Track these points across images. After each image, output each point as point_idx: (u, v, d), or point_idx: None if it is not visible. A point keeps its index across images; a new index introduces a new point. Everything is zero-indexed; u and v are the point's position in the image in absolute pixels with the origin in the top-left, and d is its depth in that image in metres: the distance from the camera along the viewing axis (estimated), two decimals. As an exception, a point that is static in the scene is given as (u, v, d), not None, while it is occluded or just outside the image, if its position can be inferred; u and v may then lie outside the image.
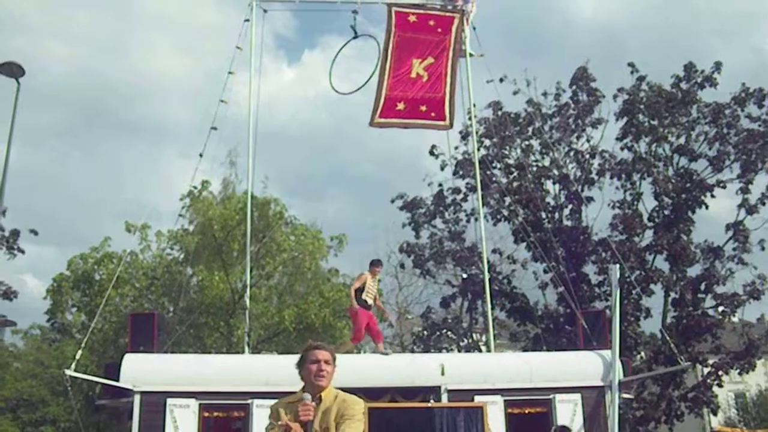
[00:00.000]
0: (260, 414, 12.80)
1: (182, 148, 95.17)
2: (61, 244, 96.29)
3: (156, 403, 12.71)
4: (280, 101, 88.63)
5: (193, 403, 12.72)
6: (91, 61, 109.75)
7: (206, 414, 12.89)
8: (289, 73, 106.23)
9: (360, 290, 16.09)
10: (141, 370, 13.13)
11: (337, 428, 5.68)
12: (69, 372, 13.36)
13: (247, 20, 19.00)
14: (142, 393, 12.77)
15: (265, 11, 19.53)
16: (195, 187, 28.23)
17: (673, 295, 30.05)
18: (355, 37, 19.44)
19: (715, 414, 34.18)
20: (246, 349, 17.43)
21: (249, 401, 12.85)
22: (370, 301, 16.12)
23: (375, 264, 17.03)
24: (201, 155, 17.91)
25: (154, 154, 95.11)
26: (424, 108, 18.52)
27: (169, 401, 12.72)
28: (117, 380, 12.95)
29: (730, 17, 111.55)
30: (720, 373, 29.58)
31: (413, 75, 18.65)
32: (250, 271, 19.96)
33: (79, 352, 15.38)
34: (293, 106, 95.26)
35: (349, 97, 19.21)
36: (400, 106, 18.46)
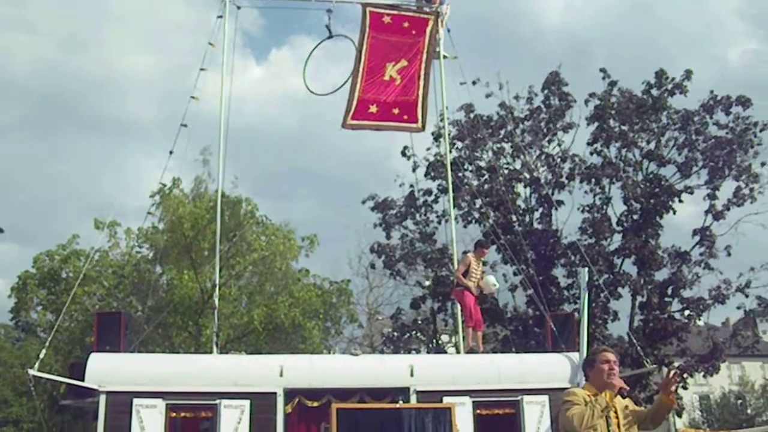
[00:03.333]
0: (228, 414, 12.75)
1: (148, 145, 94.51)
2: (23, 242, 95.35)
3: (122, 403, 12.58)
4: (247, 100, 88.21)
5: (160, 404, 12.61)
6: (55, 57, 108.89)
7: (173, 414, 12.78)
8: (256, 72, 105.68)
9: (464, 274, 16.04)
10: (107, 370, 12.99)
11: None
12: (32, 372, 13.18)
13: (220, 16, 18.87)
14: (108, 393, 12.63)
15: (238, 8, 19.41)
16: (164, 185, 28.02)
17: (640, 298, 30.31)
18: (330, 37, 19.37)
19: (679, 415, 34.55)
20: (214, 348, 17.34)
21: (217, 401, 12.77)
22: (473, 286, 16.04)
23: (482, 245, 16.99)
24: (171, 152, 17.69)
25: (119, 151, 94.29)
26: (396, 111, 18.48)
27: (136, 401, 12.60)
28: (82, 380, 12.80)
29: (694, 27, 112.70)
30: (685, 375, 29.85)
31: (386, 78, 18.61)
32: (220, 271, 19.84)
33: (43, 351, 15.23)
34: (261, 104, 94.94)
35: (317, 96, 19.06)
36: (373, 108, 18.41)
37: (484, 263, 17.90)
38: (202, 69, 18.37)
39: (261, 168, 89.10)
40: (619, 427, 6.44)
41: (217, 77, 18.62)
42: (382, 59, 18.83)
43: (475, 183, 31.70)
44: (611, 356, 6.84)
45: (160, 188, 27.52)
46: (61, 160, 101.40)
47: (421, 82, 18.70)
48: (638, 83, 32.22)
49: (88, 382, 12.75)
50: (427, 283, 32.92)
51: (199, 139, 33.19)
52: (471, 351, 15.81)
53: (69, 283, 29.63)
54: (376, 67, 18.69)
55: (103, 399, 12.60)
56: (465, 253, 17.10)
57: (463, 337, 17.00)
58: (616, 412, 6.48)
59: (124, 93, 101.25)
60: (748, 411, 53.75)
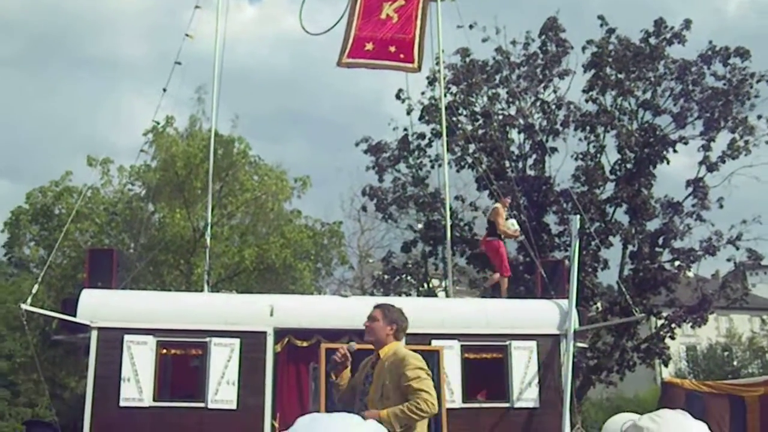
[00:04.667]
0: (218, 352, 12.85)
1: (140, 83, 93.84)
2: (14, 178, 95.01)
3: (113, 339, 12.65)
4: (240, 40, 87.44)
5: (151, 340, 12.68)
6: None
7: (164, 351, 12.86)
8: (249, 11, 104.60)
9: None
10: (98, 306, 13.04)
11: (394, 388, 6.26)
12: (25, 306, 13.22)
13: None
14: (99, 329, 12.70)
15: (234, -54, 19.20)
16: (158, 123, 27.91)
17: (631, 247, 30.38)
18: (325, -23, 19.19)
19: (666, 365, 34.77)
20: (205, 287, 17.40)
21: (207, 339, 12.85)
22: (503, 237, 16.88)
23: (504, 195, 18.38)
24: (164, 90, 17.56)
25: (111, 89, 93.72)
26: (392, 49, 18.37)
27: (127, 337, 12.67)
28: (74, 315, 12.85)
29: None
30: (673, 325, 30.08)
31: (383, 16, 18.46)
32: (212, 210, 19.84)
33: (36, 286, 15.26)
34: (253, 45, 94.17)
35: (311, 38, 18.91)
36: (369, 46, 18.29)
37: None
38: (197, 6, 18.20)
39: (253, 109, 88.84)
40: None
41: (210, 16, 18.49)
42: (380, -3, 18.67)
43: (469, 128, 31.57)
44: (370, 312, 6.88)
45: (153, 126, 27.43)
46: (52, 97, 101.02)
47: (418, 22, 18.56)
48: (636, 32, 32.07)
49: (80, 318, 12.82)
50: (419, 227, 32.97)
51: (191, 78, 33.05)
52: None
53: (62, 219, 29.65)
54: (373, 5, 18.52)
55: (94, 335, 12.68)
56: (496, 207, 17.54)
57: (485, 287, 17.36)
58: None
59: (115, 30, 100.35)
60: (734, 363, 54.20)
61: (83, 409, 12.53)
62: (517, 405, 13.65)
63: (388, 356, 6.38)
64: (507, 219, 17.49)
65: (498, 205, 17.40)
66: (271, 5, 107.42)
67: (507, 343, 13.82)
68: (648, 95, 31.39)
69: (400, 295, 30.91)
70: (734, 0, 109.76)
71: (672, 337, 30.69)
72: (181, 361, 13.49)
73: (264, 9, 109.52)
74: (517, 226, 17.33)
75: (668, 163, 30.54)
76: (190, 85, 32.47)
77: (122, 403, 12.50)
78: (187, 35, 17.81)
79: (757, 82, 30.52)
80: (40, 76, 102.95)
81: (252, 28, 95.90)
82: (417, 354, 6.47)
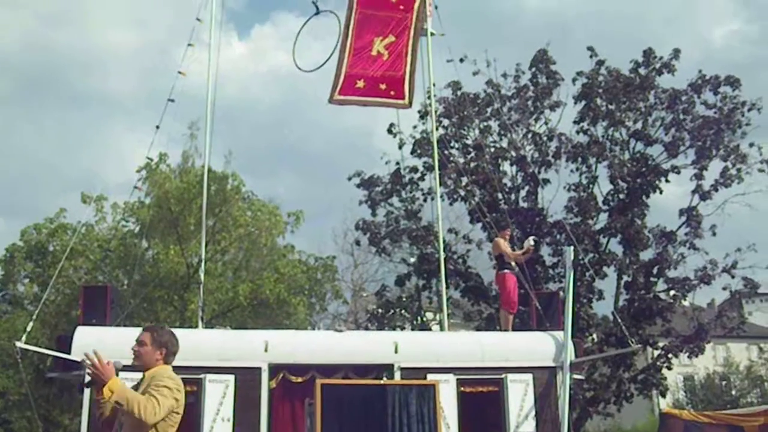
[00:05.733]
0: (213, 389, 12.80)
1: (132, 121, 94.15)
2: (8, 216, 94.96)
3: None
4: (230, 77, 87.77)
5: (145, 377, 12.66)
6: (38, 31, 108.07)
7: (158, 388, 12.82)
8: (239, 48, 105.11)
9: (503, 256, 16.71)
10: (93, 343, 12.90)
11: None
12: (20, 344, 13.17)
13: (206, -8, 18.75)
14: (94, 366, 12.66)
15: (224, -17, 19.34)
16: (151, 159, 27.93)
17: (625, 278, 30.41)
18: (317, 13, 19.27)
19: (663, 396, 34.70)
20: (200, 323, 17.36)
21: (202, 376, 12.81)
22: (513, 265, 16.64)
23: (503, 228, 18.31)
24: (158, 127, 17.60)
25: (103, 127, 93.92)
26: (383, 86, 18.44)
27: (121, 375, 12.62)
28: (68, 353, 12.80)
29: (678, 5, 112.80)
30: (669, 355, 30.05)
31: (374, 53, 18.55)
32: (206, 246, 19.86)
33: (30, 323, 15.21)
34: (243, 81, 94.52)
35: (301, 73, 18.96)
36: (360, 83, 18.37)
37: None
38: (189, 44, 18.28)
39: (245, 145, 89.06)
40: None
41: (201, 53, 18.57)
42: (370, 34, 18.76)
43: (462, 161, 31.67)
44: (139, 336, 6.69)
45: (146, 163, 27.44)
46: (46, 135, 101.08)
47: (409, 58, 18.65)
48: (623, 62, 32.28)
49: (74, 355, 12.76)
50: (412, 260, 32.95)
51: (183, 115, 33.19)
52: None
53: (56, 256, 29.65)
54: (364, 42, 18.62)
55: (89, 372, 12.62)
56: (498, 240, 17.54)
57: (498, 319, 17.30)
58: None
59: (107, 68, 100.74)
60: (733, 392, 53.98)
61: (77, 448, 12.45)
62: (515, 438, 13.60)
63: (148, 376, 6.22)
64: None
65: (498, 238, 17.42)
66: (260, 41, 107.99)
67: (503, 376, 13.78)
68: (639, 125, 31.54)
69: (394, 329, 30.91)
70: (719, 30, 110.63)
71: (669, 368, 30.64)
72: (176, 399, 13.41)
73: (253, 45, 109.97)
74: (531, 243, 17.26)
75: (661, 192, 30.65)
76: (183, 122, 32.59)
77: (117, 442, 12.42)
78: (179, 72, 17.88)
79: (749, 110, 30.73)
80: (34, 114, 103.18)
81: (242, 64, 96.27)
82: (179, 380, 6.25)
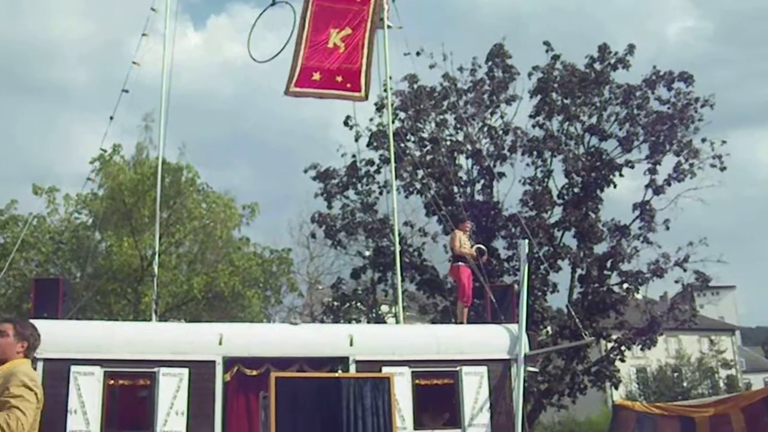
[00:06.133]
0: (166, 382, 12.70)
1: (86, 112, 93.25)
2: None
3: (59, 370, 12.45)
4: (185, 67, 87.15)
5: (98, 371, 12.51)
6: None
7: (111, 382, 12.68)
8: (194, 39, 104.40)
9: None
10: (44, 337, 12.73)
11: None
12: (-31, 338, 12.97)
13: (162, -18, 18.57)
14: (45, 360, 12.48)
15: (179, -26, 19.13)
16: (105, 151, 27.66)
17: (579, 271, 30.62)
18: (273, 4, 19.18)
19: (616, 388, 35.05)
20: (153, 316, 17.23)
21: (155, 369, 12.71)
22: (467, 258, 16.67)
23: (461, 221, 18.14)
24: (111, 118, 17.43)
25: (56, 118, 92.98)
26: (339, 79, 18.42)
27: (73, 368, 12.48)
28: (19, 346, 12.65)
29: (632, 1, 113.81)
30: (623, 348, 30.34)
31: (330, 45, 18.51)
32: (160, 238, 19.68)
33: (-20, 316, 15.01)
34: (198, 72, 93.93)
35: (256, 65, 18.87)
36: (316, 76, 18.32)
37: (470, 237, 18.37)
38: (144, 34, 18.09)
39: (200, 136, 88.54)
40: None
41: (155, 43, 18.37)
42: (326, 26, 18.73)
43: (418, 154, 31.68)
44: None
45: (100, 154, 27.18)
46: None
47: (365, 51, 18.63)
48: (578, 57, 32.46)
49: (25, 349, 12.59)
50: (368, 253, 32.93)
51: (138, 105, 32.91)
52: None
53: (6, 248, 29.15)
54: (320, 34, 18.58)
55: (40, 366, 12.45)
56: (455, 233, 17.51)
57: (453, 312, 17.32)
58: None
59: (61, 59, 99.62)
60: (684, 384, 54.65)
61: (28, 443, 12.27)
62: (469, 431, 13.63)
63: (5, 371, 5.94)
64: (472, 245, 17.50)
65: (456, 230, 17.45)
66: (215, 32, 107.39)
67: (458, 368, 13.82)
68: (594, 120, 31.74)
69: (350, 322, 30.88)
70: (673, 26, 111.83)
71: (622, 360, 30.93)
72: (129, 392, 13.30)
73: (208, 36, 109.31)
74: (474, 251, 17.26)
75: (615, 186, 30.89)
76: (137, 113, 32.32)
77: (69, 436, 12.29)
78: (133, 63, 17.70)
79: (702, 106, 31.05)
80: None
81: (197, 55, 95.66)
82: (35, 375, 6.09)
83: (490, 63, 32.46)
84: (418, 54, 29.93)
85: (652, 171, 30.77)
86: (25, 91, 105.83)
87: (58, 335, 13.01)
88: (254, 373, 13.17)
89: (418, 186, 31.27)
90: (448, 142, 32.11)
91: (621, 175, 30.95)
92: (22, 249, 26.98)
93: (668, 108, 31.13)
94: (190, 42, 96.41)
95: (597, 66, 31.78)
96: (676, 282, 31.07)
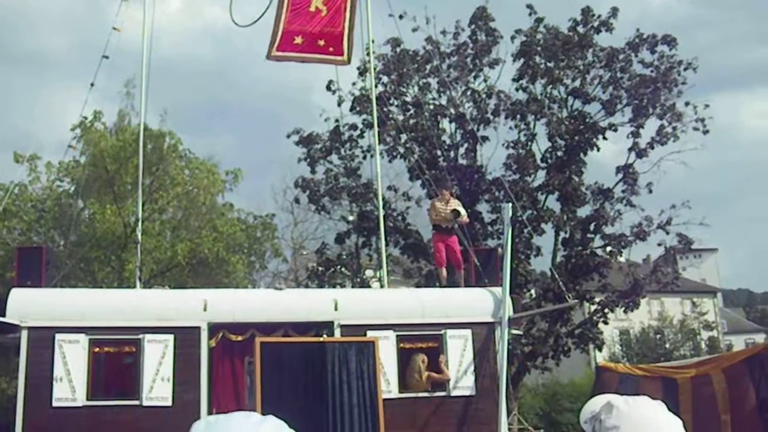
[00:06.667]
0: (152, 349, 12.69)
1: (67, 78, 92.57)
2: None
3: (44, 338, 12.42)
4: (165, 32, 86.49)
5: (83, 338, 12.49)
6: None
7: (96, 349, 12.66)
8: (175, 3, 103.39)
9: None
10: (28, 305, 12.80)
11: None
12: (-48, 306, 12.95)
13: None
14: (30, 328, 12.46)
15: (159, -63, 18.92)
16: (86, 118, 27.50)
17: (563, 234, 30.77)
18: (254, -33, 19.00)
19: (600, 350, 35.39)
20: (138, 283, 17.19)
21: (140, 336, 12.69)
22: (444, 225, 16.30)
23: (441, 187, 17.59)
24: (92, 84, 17.27)
25: (37, 85, 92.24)
26: (322, 42, 18.29)
27: (58, 336, 12.45)
28: (3, 315, 12.58)
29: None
30: (606, 310, 30.57)
31: (312, 9, 18.35)
32: (143, 205, 19.61)
33: (-37, 285, 14.96)
34: (179, 37, 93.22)
35: (238, 29, 18.71)
36: (298, 39, 18.18)
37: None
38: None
39: (182, 102, 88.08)
40: None
41: (136, 8, 18.18)
42: (308, -11, 18.55)
43: (401, 118, 31.64)
44: None
45: (81, 121, 27.01)
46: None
47: (347, 14, 18.48)
48: (562, 20, 32.40)
49: (9, 318, 12.56)
50: (352, 218, 32.95)
51: (119, 71, 32.63)
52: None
53: (-12, 217, 29.07)
54: (302, -2, 18.42)
55: (24, 334, 12.43)
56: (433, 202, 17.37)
57: (437, 275, 17.28)
58: None
59: (41, 25, 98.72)
60: (666, 345, 55.18)
61: (15, 411, 12.29)
62: (454, 393, 13.68)
63: None
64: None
65: (433, 199, 17.37)
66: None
67: (442, 332, 13.86)
68: (577, 83, 31.76)
69: (334, 287, 30.93)
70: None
71: (605, 322, 31.18)
72: (115, 359, 13.29)
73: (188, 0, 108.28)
74: (448, 211, 16.98)
75: (598, 150, 30.98)
76: (118, 79, 32.02)
77: (55, 404, 12.28)
78: (114, 28, 17.52)
79: (685, 69, 31.10)
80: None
81: (178, 19, 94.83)
82: None
83: (473, 26, 32.35)
84: (401, 17, 29.89)
85: (635, 134, 30.87)
86: (4, 58, 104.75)
87: (42, 304, 12.99)
88: (239, 338, 13.17)
89: (402, 150, 31.27)
90: (432, 106, 32.07)
91: (604, 138, 31.05)
92: (4, 218, 26.90)
93: (651, 71, 31.17)
94: (170, 6, 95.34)
95: (580, 29, 31.73)
96: (659, 245, 31.35)
